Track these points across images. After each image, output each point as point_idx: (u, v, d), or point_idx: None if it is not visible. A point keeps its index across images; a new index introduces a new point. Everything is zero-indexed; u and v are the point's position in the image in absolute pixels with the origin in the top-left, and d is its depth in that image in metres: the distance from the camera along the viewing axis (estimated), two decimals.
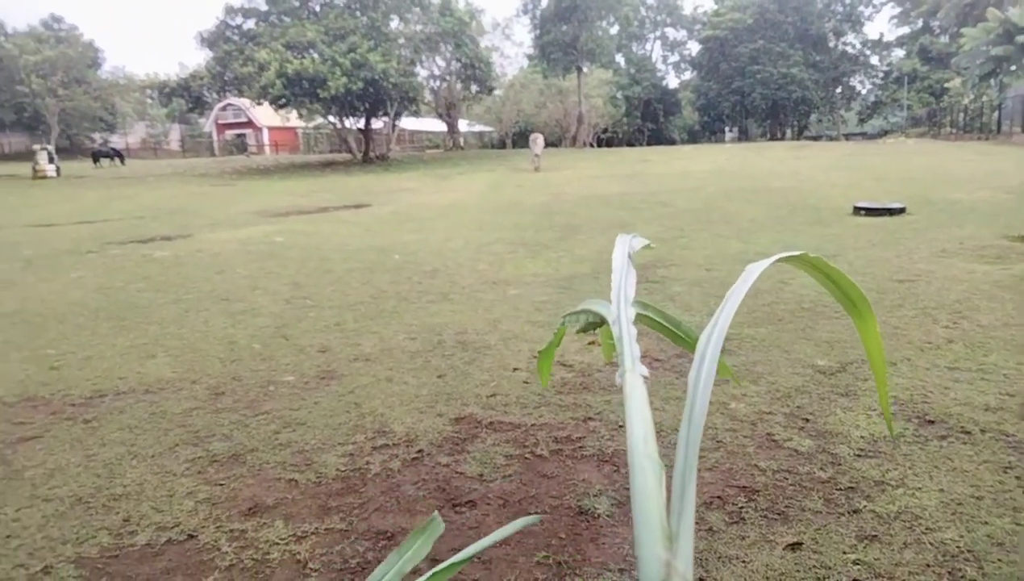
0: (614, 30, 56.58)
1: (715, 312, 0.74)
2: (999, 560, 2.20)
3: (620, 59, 64.58)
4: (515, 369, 4.24)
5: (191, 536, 2.54)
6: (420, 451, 3.18)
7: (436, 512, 0.87)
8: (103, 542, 2.52)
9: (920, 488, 2.64)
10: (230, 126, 59.34)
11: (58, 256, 9.36)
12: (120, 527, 2.61)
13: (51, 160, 30.08)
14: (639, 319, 0.91)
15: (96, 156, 39.04)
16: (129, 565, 2.38)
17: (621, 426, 3.36)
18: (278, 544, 2.47)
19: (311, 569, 2.33)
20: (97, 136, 55.33)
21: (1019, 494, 2.57)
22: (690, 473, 0.58)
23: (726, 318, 0.72)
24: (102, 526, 2.62)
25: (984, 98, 36.53)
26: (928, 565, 2.19)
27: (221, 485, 2.92)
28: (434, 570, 0.70)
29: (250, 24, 31.58)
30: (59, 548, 2.48)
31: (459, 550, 2.46)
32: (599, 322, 1.18)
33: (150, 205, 17.16)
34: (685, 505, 0.56)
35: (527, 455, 3.10)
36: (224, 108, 55.28)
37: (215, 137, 60.10)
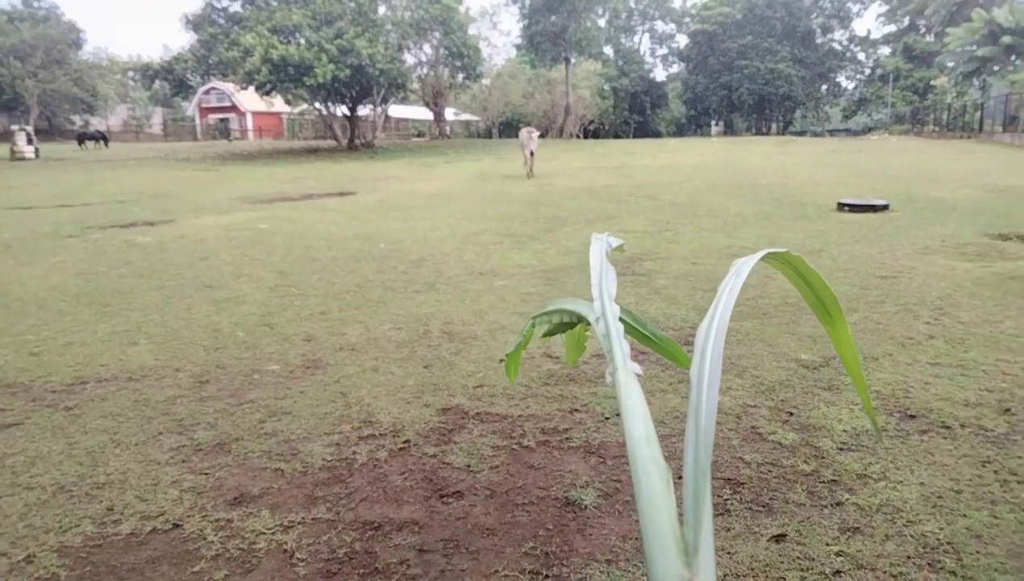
0: (603, 22, 56.60)
1: (708, 307, 0.70)
2: (977, 552, 2.24)
3: (608, 51, 64.49)
4: (502, 360, 4.24)
5: (176, 525, 2.52)
6: (407, 441, 3.18)
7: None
8: (87, 531, 2.49)
9: (901, 481, 2.68)
10: (213, 110, 58.58)
11: (38, 240, 9.22)
12: (104, 516, 2.59)
13: (30, 141, 29.69)
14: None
15: (81, 138, 38.67)
16: (113, 554, 2.36)
17: (607, 418, 3.37)
18: (264, 534, 2.46)
19: (298, 559, 2.32)
20: (77, 118, 54.48)
21: (997, 488, 2.62)
22: (703, 478, 0.50)
23: (724, 311, 0.68)
24: (85, 515, 2.59)
25: (967, 97, 36.93)
26: (909, 557, 2.23)
27: (206, 474, 2.90)
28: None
29: (236, 7, 31.15)
30: (42, 537, 2.46)
31: (448, 541, 2.42)
32: (570, 323, 1.15)
33: (132, 189, 16.93)
34: (702, 513, 0.48)
35: (514, 446, 3.11)
36: (207, 92, 54.56)
37: (198, 121, 59.35)
